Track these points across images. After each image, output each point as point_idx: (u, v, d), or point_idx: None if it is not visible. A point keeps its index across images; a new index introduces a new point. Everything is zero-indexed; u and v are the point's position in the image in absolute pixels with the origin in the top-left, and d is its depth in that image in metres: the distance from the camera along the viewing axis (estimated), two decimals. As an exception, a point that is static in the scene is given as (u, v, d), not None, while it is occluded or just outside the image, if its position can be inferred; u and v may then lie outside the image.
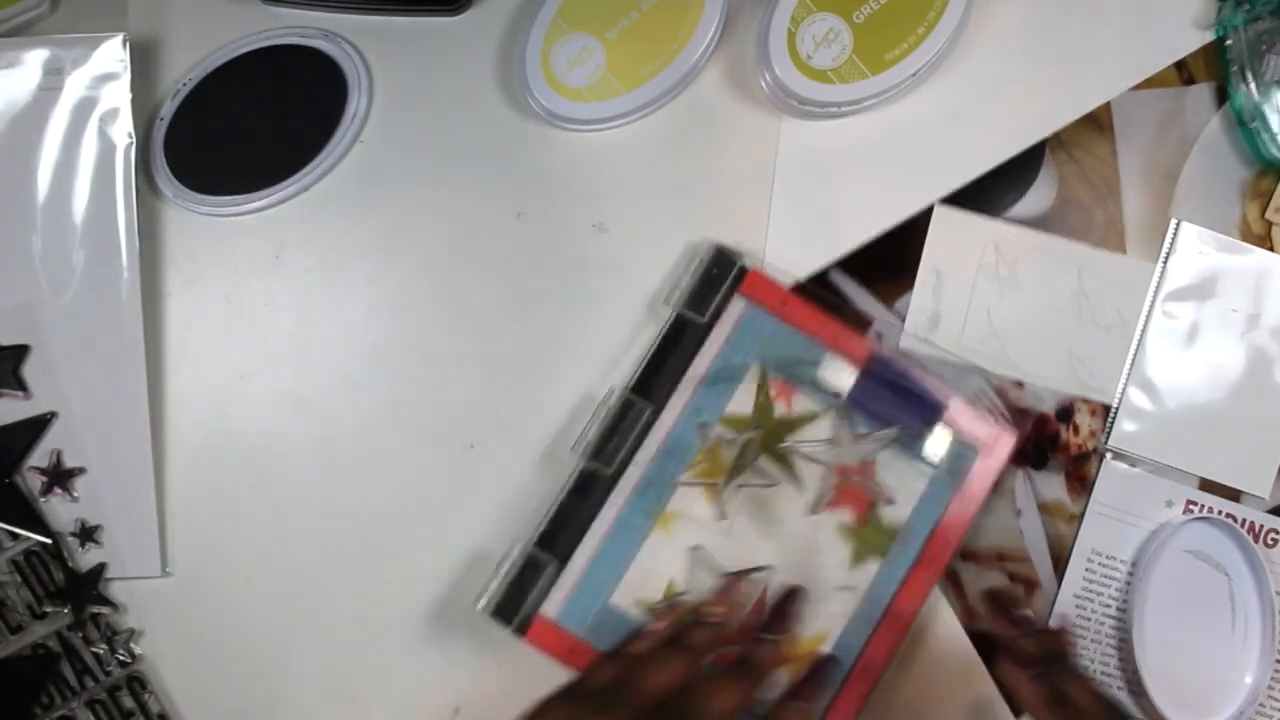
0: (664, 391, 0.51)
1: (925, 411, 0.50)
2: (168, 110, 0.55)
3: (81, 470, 0.52)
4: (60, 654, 0.51)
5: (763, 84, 0.54)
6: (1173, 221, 0.52)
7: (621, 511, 0.50)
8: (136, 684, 0.51)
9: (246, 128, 0.56)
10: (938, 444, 0.50)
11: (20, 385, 0.52)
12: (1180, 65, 0.54)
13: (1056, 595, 0.51)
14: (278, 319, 0.54)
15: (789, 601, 0.48)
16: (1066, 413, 0.52)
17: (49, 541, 0.51)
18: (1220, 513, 0.51)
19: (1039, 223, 0.53)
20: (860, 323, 0.52)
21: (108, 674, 0.51)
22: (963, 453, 0.50)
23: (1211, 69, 0.54)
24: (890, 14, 0.52)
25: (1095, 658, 0.50)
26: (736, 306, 0.51)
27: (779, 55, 0.52)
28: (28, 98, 0.53)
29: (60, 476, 0.51)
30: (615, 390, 0.51)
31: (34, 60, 0.53)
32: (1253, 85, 0.52)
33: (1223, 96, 0.53)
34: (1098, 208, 0.53)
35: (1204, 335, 0.52)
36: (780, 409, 0.50)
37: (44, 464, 0.52)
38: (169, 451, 0.53)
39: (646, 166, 0.54)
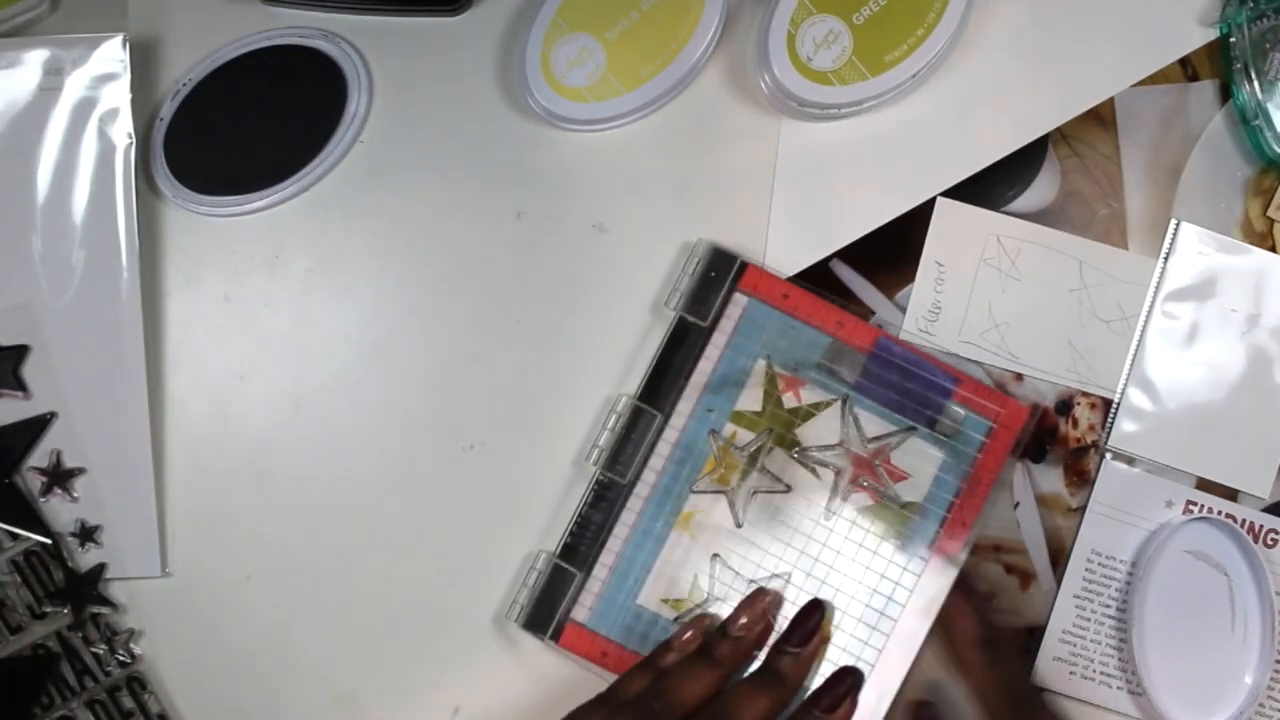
0: (672, 398, 0.51)
1: (936, 390, 0.50)
2: (168, 110, 0.55)
3: (81, 470, 0.52)
4: (60, 654, 0.51)
5: (762, 85, 0.54)
6: (1172, 222, 0.52)
7: (640, 518, 0.51)
8: (136, 684, 0.51)
9: (246, 128, 0.55)
10: (950, 421, 0.50)
11: (20, 385, 0.52)
12: (1184, 61, 0.54)
13: (1056, 593, 0.50)
14: (277, 319, 0.54)
15: (810, 613, 0.48)
16: (1066, 406, 0.52)
17: (49, 542, 0.51)
18: (1220, 513, 0.51)
19: (1041, 217, 0.53)
20: (862, 313, 0.52)
21: (107, 674, 0.51)
22: (975, 426, 0.50)
23: (1215, 66, 0.54)
24: (890, 15, 0.52)
25: (1095, 658, 0.50)
26: (738, 304, 0.51)
27: (779, 56, 0.52)
28: (28, 98, 0.53)
29: (60, 477, 0.52)
30: (624, 398, 0.51)
31: (34, 60, 0.53)
32: (1256, 83, 0.52)
33: (1226, 94, 0.53)
34: (1100, 203, 0.53)
35: (1204, 335, 0.52)
36: (790, 401, 0.51)
37: (44, 464, 0.52)
38: (169, 452, 0.53)
39: (646, 167, 0.54)
